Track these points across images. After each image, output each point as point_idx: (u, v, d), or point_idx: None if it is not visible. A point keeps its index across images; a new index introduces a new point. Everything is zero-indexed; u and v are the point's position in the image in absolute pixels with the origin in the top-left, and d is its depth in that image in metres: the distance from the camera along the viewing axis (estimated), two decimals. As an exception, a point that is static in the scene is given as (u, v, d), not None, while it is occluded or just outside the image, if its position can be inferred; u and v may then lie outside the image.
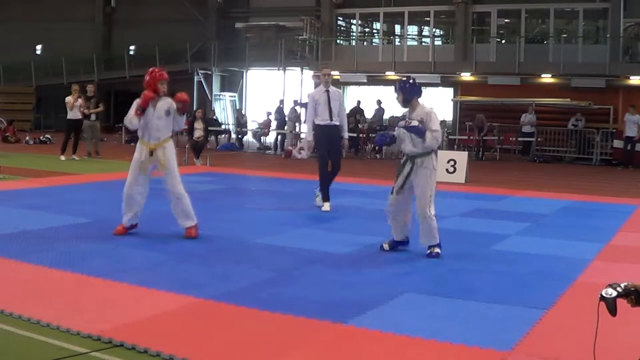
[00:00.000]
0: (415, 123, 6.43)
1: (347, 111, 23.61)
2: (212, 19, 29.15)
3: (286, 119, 22.34)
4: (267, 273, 5.78)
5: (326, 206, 9.41)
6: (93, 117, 16.99)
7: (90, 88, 17.74)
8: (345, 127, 9.54)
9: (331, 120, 9.24)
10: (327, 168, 9.41)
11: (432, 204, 6.51)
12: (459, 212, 9.67)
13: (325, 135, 9.33)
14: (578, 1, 22.59)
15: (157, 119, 7.11)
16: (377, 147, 20.38)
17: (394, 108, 23.23)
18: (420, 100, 6.65)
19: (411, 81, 6.64)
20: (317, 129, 9.40)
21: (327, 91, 9.25)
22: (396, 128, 6.78)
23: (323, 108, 9.23)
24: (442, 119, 22.70)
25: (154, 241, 6.97)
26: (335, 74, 24.78)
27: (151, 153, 7.09)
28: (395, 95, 6.67)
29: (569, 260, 6.60)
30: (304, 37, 25.90)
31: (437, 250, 6.59)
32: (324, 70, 9.48)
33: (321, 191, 9.54)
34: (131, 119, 7.11)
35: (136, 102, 7.18)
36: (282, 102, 23.38)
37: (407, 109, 6.66)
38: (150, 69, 7.43)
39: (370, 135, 21.20)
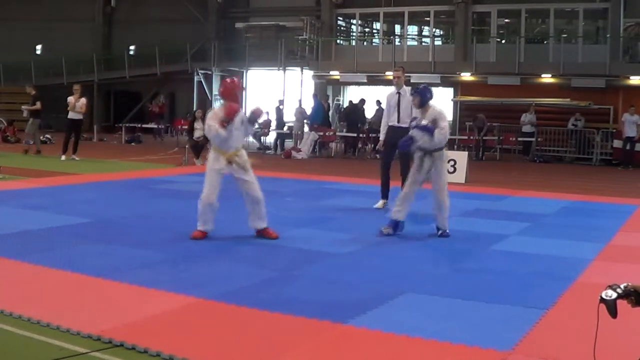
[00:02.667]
0: (424, 122, 7.46)
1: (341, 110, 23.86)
2: (212, 19, 29.15)
3: (298, 117, 22.35)
4: (267, 273, 5.79)
5: (379, 204, 9.68)
6: (25, 113, 17.23)
7: (29, 89, 18.10)
8: None
9: (398, 122, 9.29)
10: (387, 168, 9.69)
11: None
12: (459, 212, 9.65)
13: (392, 137, 9.31)
14: (578, 1, 22.58)
15: (235, 130, 7.20)
16: (376, 147, 20.41)
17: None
18: (431, 102, 7.67)
19: (428, 87, 7.79)
20: (387, 131, 9.53)
21: (399, 93, 9.34)
22: (411, 129, 7.74)
23: (393, 110, 9.40)
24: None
25: (154, 241, 6.96)
26: (335, 74, 24.83)
27: (229, 162, 7.15)
28: (412, 98, 7.82)
29: (569, 260, 6.60)
30: (304, 37, 25.90)
31: (448, 231, 7.70)
32: (395, 73, 9.59)
33: (381, 189, 9.82)
34: (218, 131, 7.07)
35: (214, 114, 7.25)
36: (281, 102, 23.35)
37: (418, 110, 7.70)
38: (226, 80, 7.55)
39: (370, 135, 21.20)
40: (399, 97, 9.34)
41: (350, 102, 23.19)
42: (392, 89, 9.59)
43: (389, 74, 23.39)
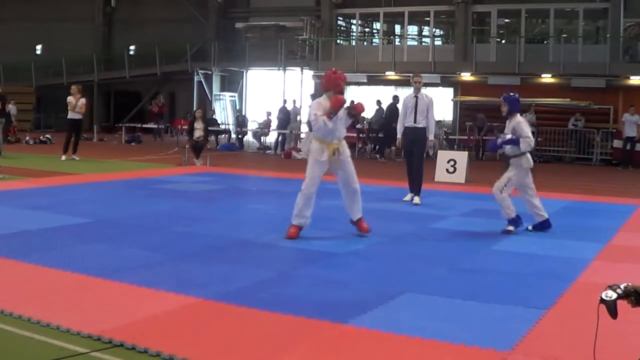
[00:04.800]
0: (508, 136, 7.82)
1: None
2: (212, 19, 29.16)
3: (292, 118, 22.32)
4: (267, 273, 5.78)
5: (407, 197, 10.53)
6: None
7: None
8: (432, 129, 10.44)
9: (415, 122, 10.24)
10: (410, 166, 10.56)
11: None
12: (459, 212, 9.68)
13: (408, 136, 10.40)
14: (578, 1, 22.58)
15: (339, 120, 7.30)
16: (377, 147, 20.50)
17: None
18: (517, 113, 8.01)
19: (518, 96, 8.08)
20: (405, 131, 10.41)
21: (416, 97, 10.24)
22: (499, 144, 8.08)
23: (410, 111, 10.27)
24: (441, 119, 22.93)
25: (154, 241, 6.96)
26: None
27: (334, 152, 7.27)
28: (502, 106, 8.03)
29: (569, 260, 6.60)
30: (304, 37, 25.91)
31: (509, 227, 7.97)
32: (415, 78, 10.47)
33: (409, 184, 10.56)
34: (325, 122, 7.15)
35: (317, 104, 7.28)
36: (285, 101, 23.37)
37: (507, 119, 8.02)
38: (330, 71, 7.60)
39: (370, 135, 21.20)
40: (416, 100, 10.19)
41: (391, 103, 21.63)
42: (410, 91, 10.55)
43: (389, 74, 23.54)
